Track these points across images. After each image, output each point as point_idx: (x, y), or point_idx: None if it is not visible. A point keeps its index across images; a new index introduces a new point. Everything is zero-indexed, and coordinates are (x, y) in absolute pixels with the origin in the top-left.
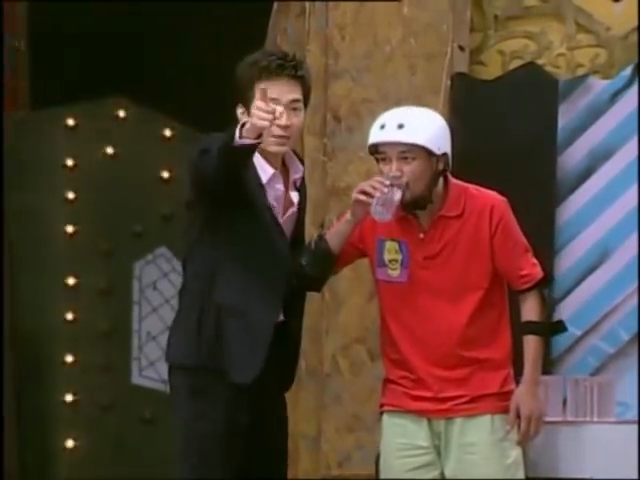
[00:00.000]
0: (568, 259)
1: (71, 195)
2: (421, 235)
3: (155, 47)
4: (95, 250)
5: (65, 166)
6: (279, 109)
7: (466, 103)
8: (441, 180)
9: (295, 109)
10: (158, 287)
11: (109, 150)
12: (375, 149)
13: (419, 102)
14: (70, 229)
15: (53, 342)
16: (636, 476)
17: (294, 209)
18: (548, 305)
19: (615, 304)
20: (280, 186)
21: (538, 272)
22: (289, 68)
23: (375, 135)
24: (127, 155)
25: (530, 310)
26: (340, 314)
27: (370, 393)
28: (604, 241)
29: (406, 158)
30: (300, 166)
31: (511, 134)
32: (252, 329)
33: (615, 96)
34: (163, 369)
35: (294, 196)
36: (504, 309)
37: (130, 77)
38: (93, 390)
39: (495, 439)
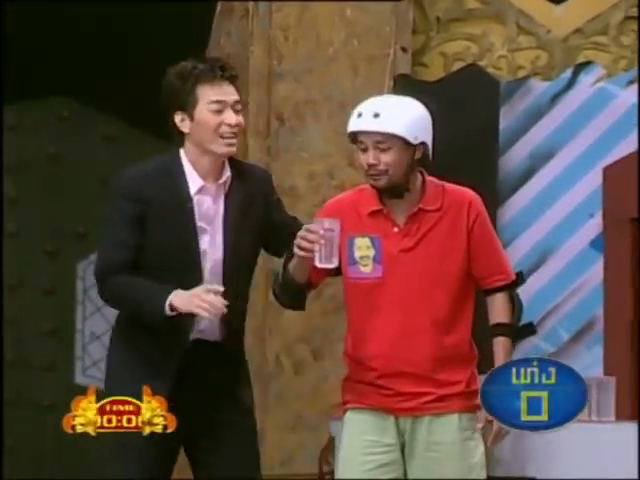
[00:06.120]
0: (509, 259)
1: (13, 194)
2: (395, 229)
3: (97, 47)
4: (38, 250)
5: (7, 165)
6: None
7: None
8: (419, 175)
9: (237, 110)
10: None
11: (52, 150)
12: (354, 138)
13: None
14: (12, 228)
15: None
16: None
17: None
18: (517, 308)
19: (555, 304)
20: (208, 198)
21: (512, 273)
22: (227, 70)
23: (352, 124)
24: (70, 155)
25: (499, 311)
26: (284, 313)
27: (313, 392)
28: (545, 242)
29: (382, 148)
30: (228, 170)
31: (453, 135)
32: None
33: (555, 98)
34: None
35: (220, 205)
36: (471, 306)
37: (72, 76)
38: (35, 389)
39: (461, 438)
